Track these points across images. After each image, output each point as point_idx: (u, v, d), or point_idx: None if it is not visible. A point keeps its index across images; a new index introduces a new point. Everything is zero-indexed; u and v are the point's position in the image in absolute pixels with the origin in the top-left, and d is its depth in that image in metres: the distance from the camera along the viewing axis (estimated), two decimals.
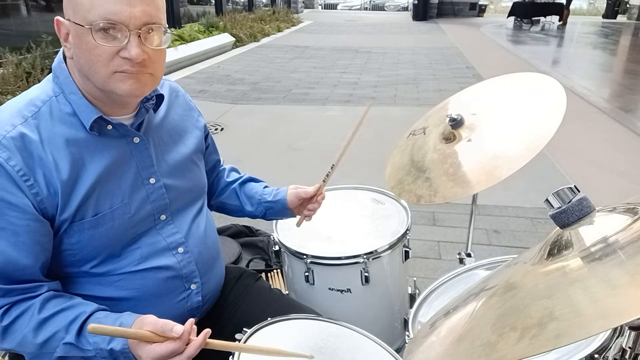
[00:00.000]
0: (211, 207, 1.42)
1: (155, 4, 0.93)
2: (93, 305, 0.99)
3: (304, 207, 1.36)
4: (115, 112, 1.02)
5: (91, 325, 0.82)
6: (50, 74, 1.02)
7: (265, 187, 1.43)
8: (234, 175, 1.45)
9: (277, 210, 1.38)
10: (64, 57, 1.00)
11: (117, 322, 0.95)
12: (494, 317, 0.62)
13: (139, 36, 0.91)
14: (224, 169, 1.44)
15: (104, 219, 1.00)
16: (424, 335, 0.78)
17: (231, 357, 0.98)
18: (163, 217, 1.11)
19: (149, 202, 1.07)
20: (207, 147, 1.31)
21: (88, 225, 0.99)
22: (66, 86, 0.98)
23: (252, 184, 1.44)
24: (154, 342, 0.89)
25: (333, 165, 1.31)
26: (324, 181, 1.34)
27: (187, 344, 0.90)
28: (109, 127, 1.00)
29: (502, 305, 0.64)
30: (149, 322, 0.92)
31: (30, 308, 0.95)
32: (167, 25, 0.97)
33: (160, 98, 1.10)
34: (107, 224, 1.01)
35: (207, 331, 0.92)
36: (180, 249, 1.12)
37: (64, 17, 0.94)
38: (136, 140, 1.05)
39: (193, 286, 1.14)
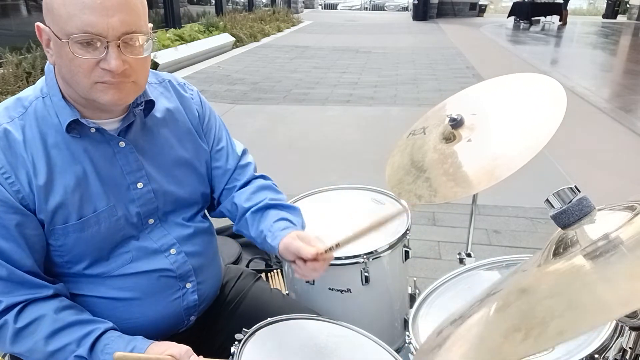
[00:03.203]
0: (217, 216, 1.31)
1: (134, 12, 0.90)
2: (107, 323, 0.99)
3: (299, 265, 1.10)
4: (100, 116, 1.01)
5: (117, 354, 0.84)
6: (45, 75, 1.02)
7: (276, 221, 1.18)
8: (254, 199, 1.22)
9: (271, 250, 1.16)
10: None
11: (129, 346, 0.95)
12: (505, 325, 0.61)
13: (119, 46, 0.89)
14: (243, 190, 1.23)
15: (88, 222, 1.00)
16: (431, 346, 0.77)
17: (232, 357, 0.98)
18: (151, 220, 1.10)
19: (136, 206, 1.06)
20: (218, 151, 1.22)
21: (72, 229, 0.99)
22: (51, 88, 0.98)
23: (267, 213, 1.20)
24: None
25: (338, 244, 1.10)
26: (325, 252, 1.09)
27: None
28: (93, 130, 1.00)
29: (512, 312, 0.63)
30: (172, 345, 0.93)
31: (45, 316, 0.95)
32: (149, 32, 0.95)
33: (150, 104, 1.07)
34: (93, 228, 1.00)
35: None
36: (173, 251, 1.11)
37: (44, 23, 0.93)
38: (122, 144, 1.04)
39: (188, 285, 1.14)
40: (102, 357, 0.93)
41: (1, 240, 0.93)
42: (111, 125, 1.03)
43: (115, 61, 0.88)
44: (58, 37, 0.88)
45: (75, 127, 0.97)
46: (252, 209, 1.21)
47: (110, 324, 0.99)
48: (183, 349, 0.92)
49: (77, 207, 0.98)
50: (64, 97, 0.98)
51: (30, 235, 0.95)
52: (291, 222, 1.18)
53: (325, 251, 1.08)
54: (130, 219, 1.06)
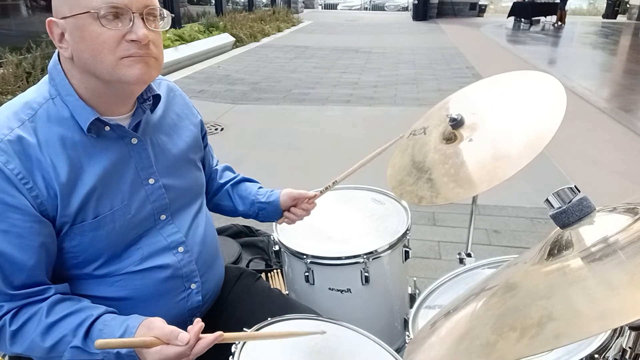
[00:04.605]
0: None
1: None
2: (100, 308, 0.98)
3: (293, 212, 1.37)
4: (113, 110, 1.02)
5: (98, 342, 0.82)
6: (46, 76, 1.01)
7: (260, 187, 1.43)
8: (227, 175, 1.45)
9: (269, 211, 1.39)
10: (59, 59, 0.99)
11: (123, 326, 0.94)
12: (494, 317, 0.62)
13: (142, 19, 0.92)
14: (216, 169, 1.43)
15: (104, 220, 1.00)
16: (424, 335, 0.78)
17: (231, 357, 0.98)
18: (163, 217, 1.11)
19: (149, 202, 1.07)
20: (204, 147, 1.31)
21: (89, 228, 0.99)
22: (62, 88, 0.97)
23: (246, 184, 1.44)
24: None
25: (335, 181, 1.34)
26: (321, 192, 1.36)
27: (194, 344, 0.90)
28: (107, 128, 1.00)
29: (502, 305, 0.64)
30: (156, 327, 0.92)
31: (38, 312, 0.95)
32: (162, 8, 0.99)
33: (157, 98, 1.10)
34: (108, 226, 1.01)
35: (219, 334, 0.92)
36: (181, 249, 1.12)
37: (55, 18, 0.93)
38: (134, 141, 1.05)
39: (193, 286, 1.14)
40: None
41: (16, 250, 0.92)
42: (122, 122, 1.03)
43: (142, 30, 0.91)
44: (82, 14, 0.89)
45: (91, 127, 0.97)
46: (230, 182, 1.42)
47: (104, 309, 0.98)
48: (167, 330, 0.90)
49: (94, 205, 0.99)
50: (79, 96, 0.97)
51: (44, 244, 0.95)
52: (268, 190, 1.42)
53: (321, 192, 1.36)
54: (144, 215, 1.07)
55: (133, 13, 0.91)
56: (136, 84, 0.97)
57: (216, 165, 1.44)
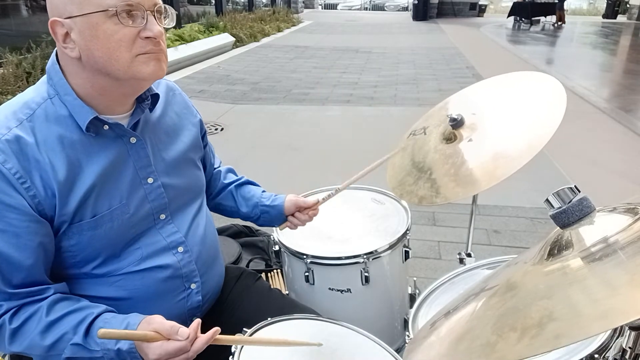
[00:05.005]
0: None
1: None
2: (101, 307, 0.99)
3: (297, 217, 1.38)
4: (113, 109, 1.02)
5: (101, 331, 0.83)
6: (45, 76, 1.01)
7: (263, 191, 1.44)
8: (230, 177, 1.45)
9: (272, 215, 1.39)
10: (57, 59, 0.99)
11: (124, 323, 0.95)
12: (494, 317, 0.62)
13: (154, 16, 0.94)
14: (220, 170, 1.43)
15: (102, 219, 1.00)
16: (424, 335, 0.78)
17: (231, 357, 0.98)
18: (162, 216, 1.11)
19: (148, 201, 1.07)
20: (204, 146, 1.31)
21: (87, 227, 0.99)
22: (60, 88, 0.97)
23: (250, 186, 1.45)
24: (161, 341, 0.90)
25: (337, 189, 1.36)
26: (323, 199, 1.38)
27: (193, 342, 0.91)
28: (106, 127, 1.00)
29: (502, 305, 0.64)
30: (156, 322, 0.92)
31: (38, 311, 0.95)
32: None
33: (155, 97, 1.10)
34: (106, 225, 1.01)
35: (217, 329, 0.92)
36: (180, 249, 1.12)
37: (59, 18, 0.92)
38: (133, 140, 1.05)
39: (193, 286, 1.14)
40: (99, 341, 0.93)
41: (14, 249, 0.92)
42: (121, 121, 1.03)
43: (156, 26, 0.94)
44: (96, 13, 0.89)
45: (90, 126, 0.97)
46: (234, 183, 1.43)
47: (104, 307, 0.99)
48: (167, 325, 0.91)
49: (92, 204, 0.99)
50: (77, 95, 0.97)
51: (41, 243, 0.95)
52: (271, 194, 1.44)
53: (324, 199, 1.38)
54: (143, 214, 1.06)
55: (145, 11, 0.92)
56: (150, 80, 0.99)
57: (219, 166, 1.44)
